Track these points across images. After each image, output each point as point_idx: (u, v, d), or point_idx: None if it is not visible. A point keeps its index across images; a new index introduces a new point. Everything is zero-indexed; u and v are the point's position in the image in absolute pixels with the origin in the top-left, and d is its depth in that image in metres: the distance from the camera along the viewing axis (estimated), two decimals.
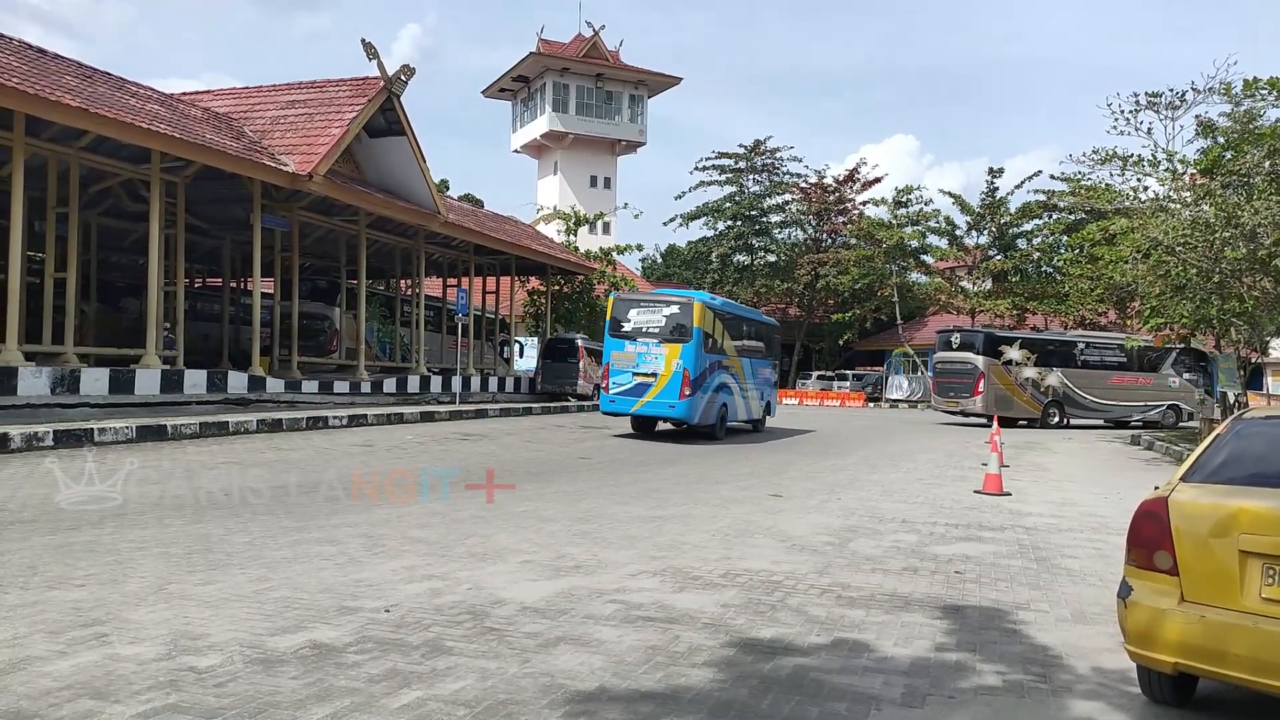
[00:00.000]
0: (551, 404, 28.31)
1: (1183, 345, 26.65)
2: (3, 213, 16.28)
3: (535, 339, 37.33)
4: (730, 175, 55.96)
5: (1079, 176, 26.34)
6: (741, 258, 56.46)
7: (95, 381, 16.13)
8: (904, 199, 48.78)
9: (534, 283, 37.51)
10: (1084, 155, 20.78)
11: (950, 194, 48.91)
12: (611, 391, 18.50)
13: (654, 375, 17.91)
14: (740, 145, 55.62)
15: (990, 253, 48.35)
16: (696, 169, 56.20)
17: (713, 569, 6.54)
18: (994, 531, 8.68)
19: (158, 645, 4.40)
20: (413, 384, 25.78)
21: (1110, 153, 20.72)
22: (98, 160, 17.53)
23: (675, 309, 18.22)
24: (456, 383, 26.07)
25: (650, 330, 18.12)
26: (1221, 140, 20.02)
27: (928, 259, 50.34)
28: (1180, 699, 3.88)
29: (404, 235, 26.84)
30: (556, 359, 31.59)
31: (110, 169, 18.08)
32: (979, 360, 27.39)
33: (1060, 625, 5.33)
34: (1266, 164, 16.21)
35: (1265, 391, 27.43)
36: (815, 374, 50.02)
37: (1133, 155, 20.20)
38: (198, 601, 5.24)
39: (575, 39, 58.95)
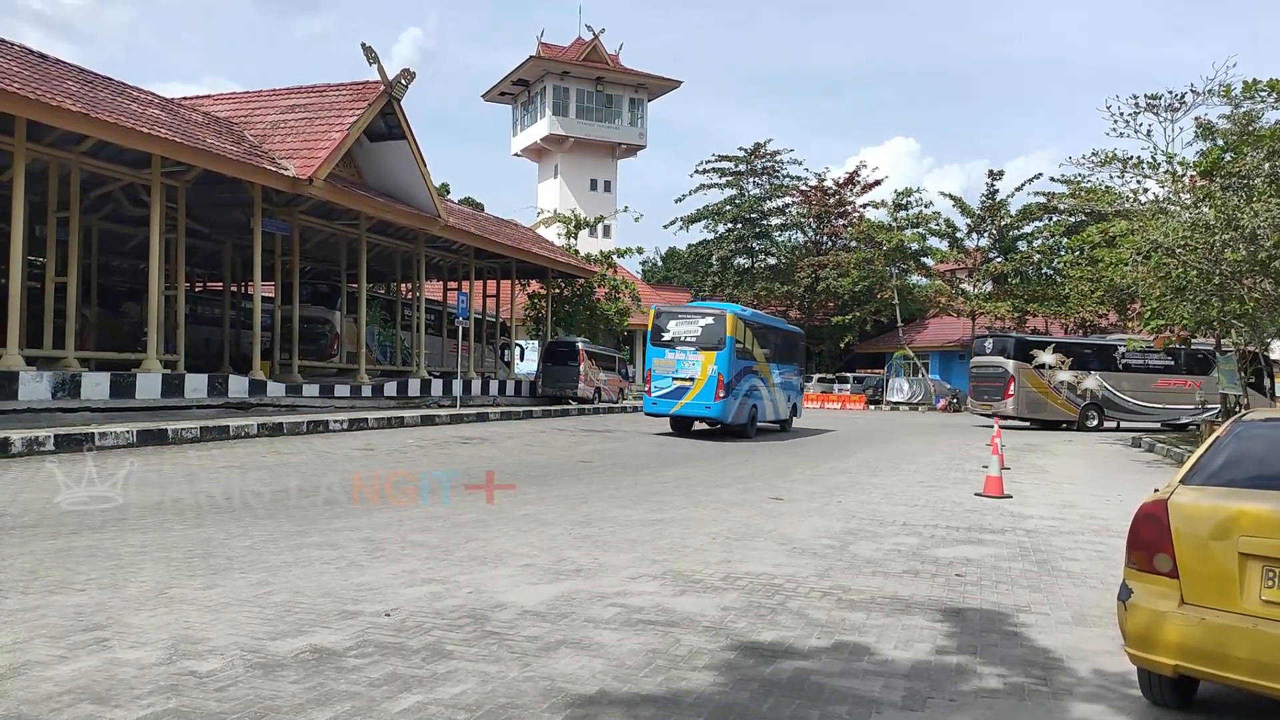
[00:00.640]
0: (552, 407, 28.31)
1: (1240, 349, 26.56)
2: (4, 217, 16.31)
3: (536, 342, 37.36)
4: (730, 178, 56.01)
5: (1079, 179, 26.37)
6: (742, 260, 56.49)
7: (96, 386, 16.14)
8: (904, 201, 48.80)
9: (534, 286, 37.52)
10: (1083, 158, 20.79)
11: (950, 196, 49.04)
12: (654, 394, 20.29)
13: (691, 380, 19.64)
14: (740, 148, 55.70)
15: (990, 255, 48.35)
16: (696, 172, 56.29)
17: (713, 572, 6.54)
18: (995, 534, 8.67)
19: (158, 650, 4.40)
20: (413, 388, 25.79)
21: (1110, 155, 20.74)
22: (98, 165, 17.56)
23: (710, 320, 20.04)
24: (457, 386, 26.10)
25: (688, 339, 19.94)
26: (1221, 142, 20.04)
27: (928, 261, 50.34)
28: (1181, 701, 3.88)
29: (404, 239, 26.87)
30: (557, 362, 31.61)
31: (111, 173, 18.10)
32: (1009, 364, 27.91)
33: (1061, 628, 5.33)
34: (1266, 166, 16.21)
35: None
36: (816, 376, 49.97)
37: (1132, 157, 20.22)
38: (198, 606, 5.24)
39: (575, 42, 59.03)
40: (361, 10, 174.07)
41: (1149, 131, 20.25)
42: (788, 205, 55.81)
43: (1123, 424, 28.61)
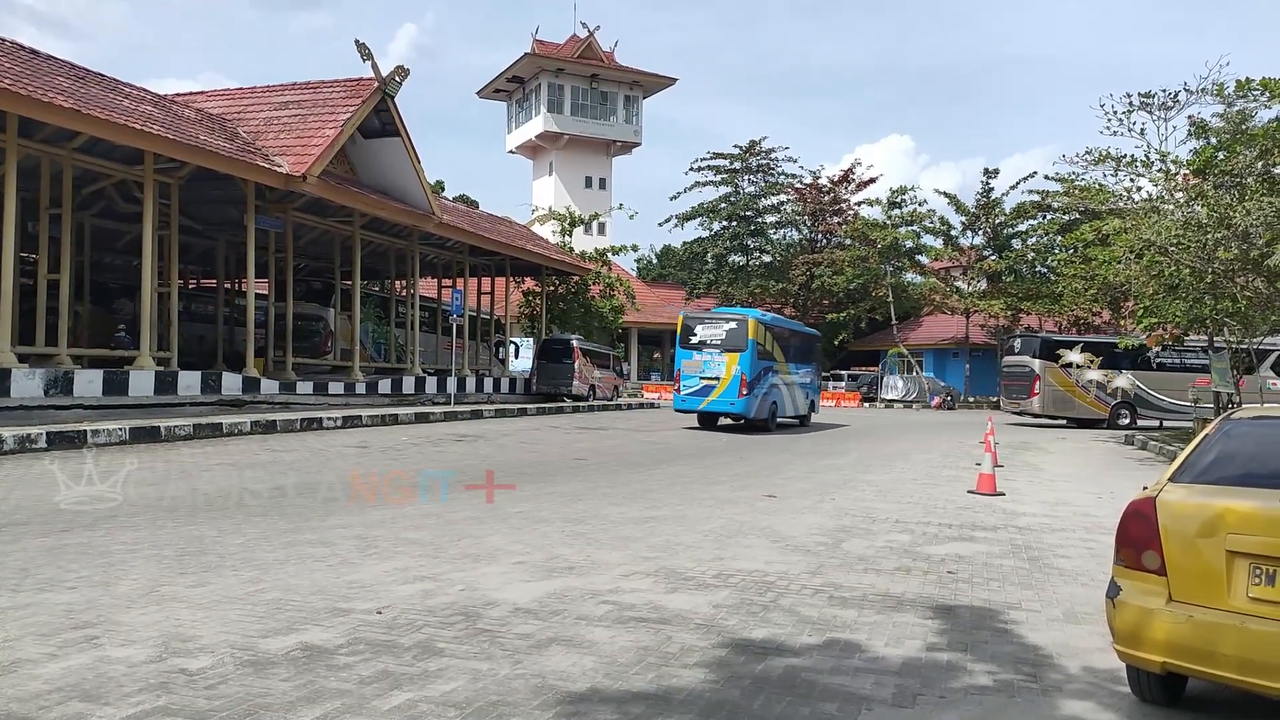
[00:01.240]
0: (547, 405, 28.32)
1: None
2: None
3: (531, 340, 37.37)
4: (725, 176, 56.02)
5: (1073, 177, 26.41)
6: (737, 258, 56.50)
7: (89, 383, 16.11)
8: (898, 199, 48.85)
9: (529, 283, 37.52)
10: (1077, 156, 20.82)
11: (945, 194, 49.08)
12: (682, 392, 22.01)
13: (717, 379, 21.34)
14: (735, 146, 55.70)
15: (985, 253, 48.43)
16: (691, 169, 56.29)
17: (705, 569, 6.54)
18: (987, 531, 8.69)
19: (149, 647, 4.40)
20: (408, 385, 25.78)
21: (1104, 153, 20.77)
22: (91, 161, 17.51)
23: (734, 324, 21.77)
24: (452, 383, 26.08)
25: (713, 342, 21.60)
26: (1214, 141, 20.06)
27: (922, 259, 50.40)
28: (1169, 698, 3.89)
29: (398, 236, 26.85)
30: (552, 360, 31.61)
31: (103, 170, 18.06)
32: (1035, 363, 28.38)
33: (1051, 625, 5.34)
34: (1259, 164, 16.25)
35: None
36: None
37: (1126, 156, 20.26)
38: (189, 604, 5.23)
39: (570, 40, 58.98)
40: (359, 6, 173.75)
41: (1143, 130, 20.27)
42: (783, 203, 55.85)
43: (1165, 423, 28.72)
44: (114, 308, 25.10)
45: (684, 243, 61.20)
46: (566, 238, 40.68)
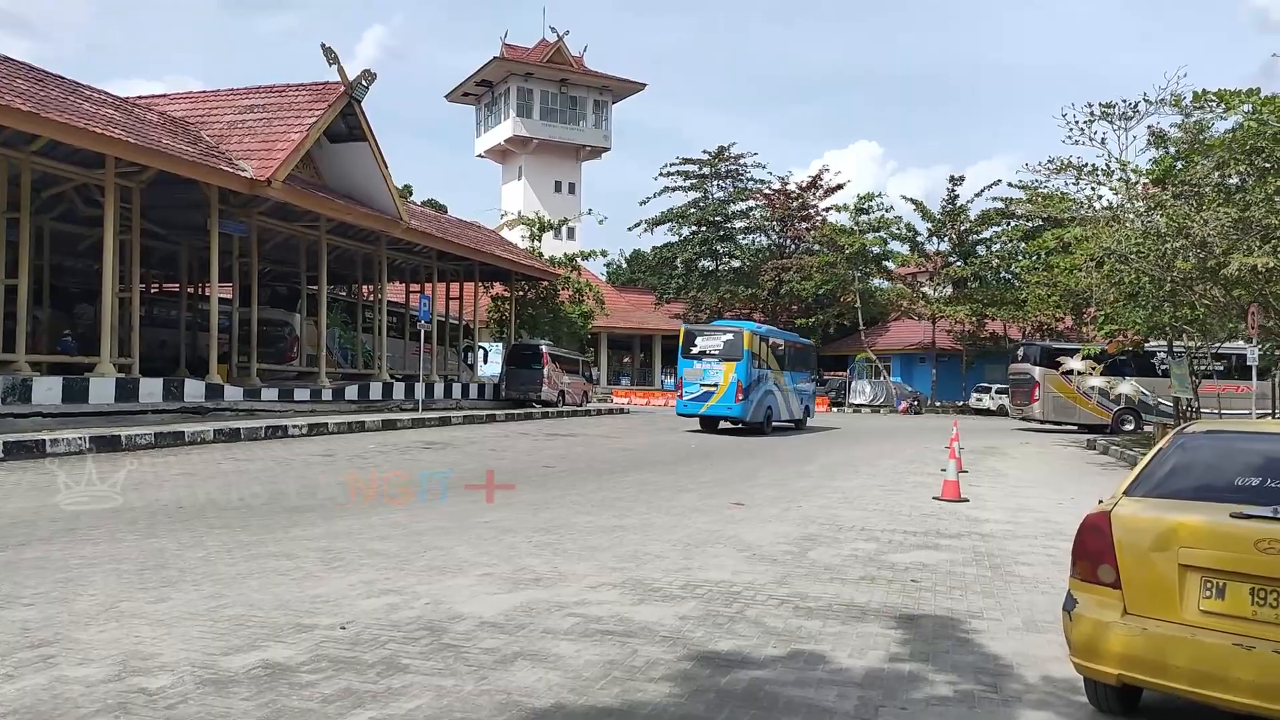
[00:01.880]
0: (516, 411, 28.23)
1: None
2: None
3: (500, 345, 37.22)
4: (694, 181, 56.25)
5: (1036, 185, 26.77)
6: (706, 263, 56.74)
7: (48, 390, 15.82)
8: (865, 206, 49.31)
9: (498, 288, 37.39)
10: (1040, 165, 21.17)
11: (912, 200, 49.62)
12: (685, 398, 23.94)
13: (715, 385, 23.18)
14: (704, 151, 56.02)
15: (951, 259, 49.01)
16: (661, 175, 56.52)
17: (672, 580, 6.56)
18: (951, 539, 8.79)
19: (107, 666, 4.33)
20: (375, 391, 25.58)
21: (1065, 162, 21.12)
22: (50, 165, 17.21)
23: (730, 336, 23.62)
24: (419, 389, 25.90)
25: (712, 352, 23.37)
26: (1173, 151, 20.49)
27: (889, 265, 50.90)
28: (1125, 709, 3.97)
29: (365, 241, 26.64)
30: (521, 365, 31.51)
31: (63, 174, 17.75)
32: (1035, 370, 29.17)
33: (1012, 634, 5.42)
34: (1215, 175, 16.61)
35: None
36: None
37: (1087, 165, 20.61)
38: (149, 620, 5.16)
39: (539, 44, 58.91)
40: (326, 8, 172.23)
41: (1103, 139, 20.66)
42: (751, 208, 56.21)
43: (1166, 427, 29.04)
44: (75, 313, 24.67)
45: (654, 248, 61.43)
46: (536, 243, 40.59)
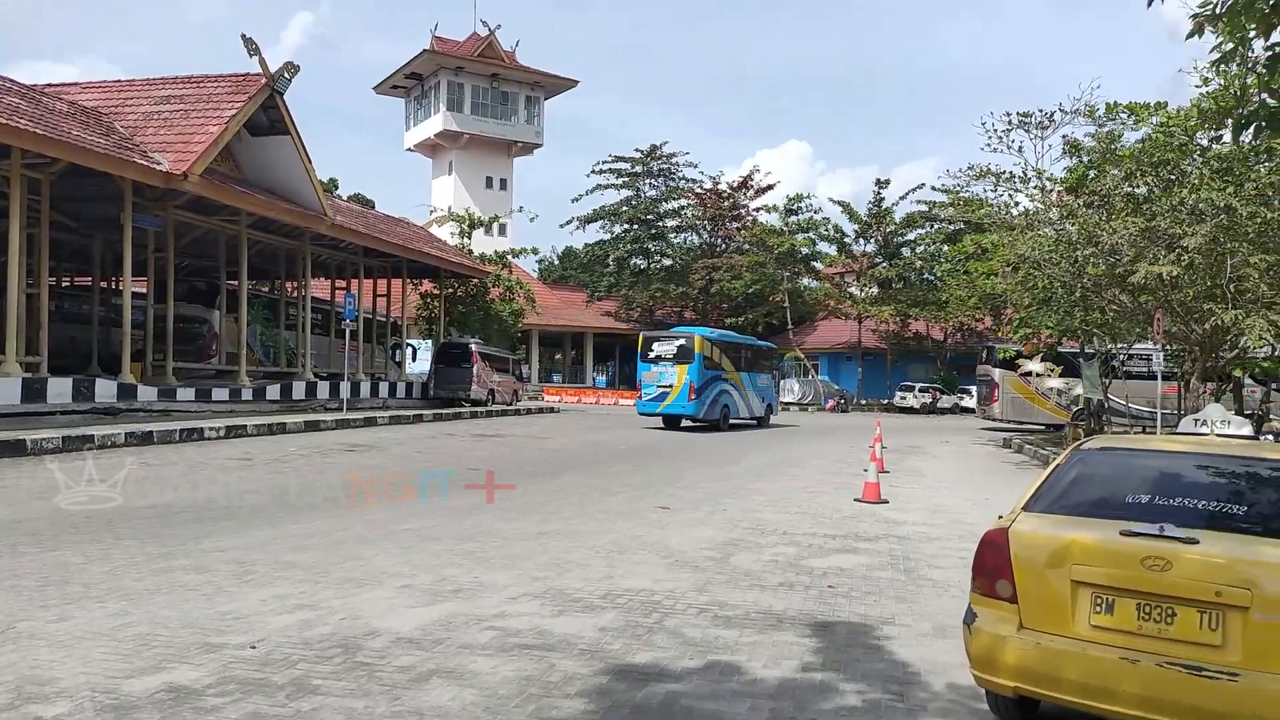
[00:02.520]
0: (444, 410, 27.91)
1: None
2: None
3: (429, 342, 36.77)
4: (626, 179, 56.34)
5: (958, 189, 27.48)
6: (638, 261, 56.90)
7: None
8: (794, 206, 50.05)
9: (427, 285, 36.92)
10: (960, 171, 21.79)
11: (839, 202, 50.54)
12: (644, 398, 26.08)
13: (670, 386, 25.24)
14: (636, 149, 56.13)
15: (876, 260, 50.06)
16: (593, 172, 56.45)
17: (594, 589, 6.57)
18: (869, 542, 8.98)
19: (1, 693, 4.16)
20: (298, 390, 25.03)
21: (984, 169, 21.77)
22: None
23: (683, 341, 25.67)
24: (345, 389, 25.43)
25: (667, 356, 25.47)
26: (1086, 159, 21.28)
27: (817, 265, 51.78)
28: (1025, 718, 4.12)
29: (289, 236, 26.05)
30: (450, 364, 31.18)
31: None
32: (995, 372, 30.12)
33: (921, 640, 5.57)
34: (1125, 185, 17.28)
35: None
36: None
37: (1005, 172, 21.27)
38: (48, 641, 4.98)
39: (471, 38, 58.30)
40: None
41: (1020, 148, 21.39)
42: (683, 207, 56.54)
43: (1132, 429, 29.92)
44: None
45: (586, 245, 61.35)
46: (466, 240, 40.20)
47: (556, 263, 68.81)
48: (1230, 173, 15.14)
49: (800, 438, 24.80)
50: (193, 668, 4.60)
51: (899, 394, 46.98)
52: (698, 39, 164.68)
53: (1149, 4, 4.10)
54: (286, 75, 21.00)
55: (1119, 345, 21.93)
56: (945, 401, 46.18)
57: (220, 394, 21.97)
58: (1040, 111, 21.49)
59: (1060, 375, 29.84)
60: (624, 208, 56.32)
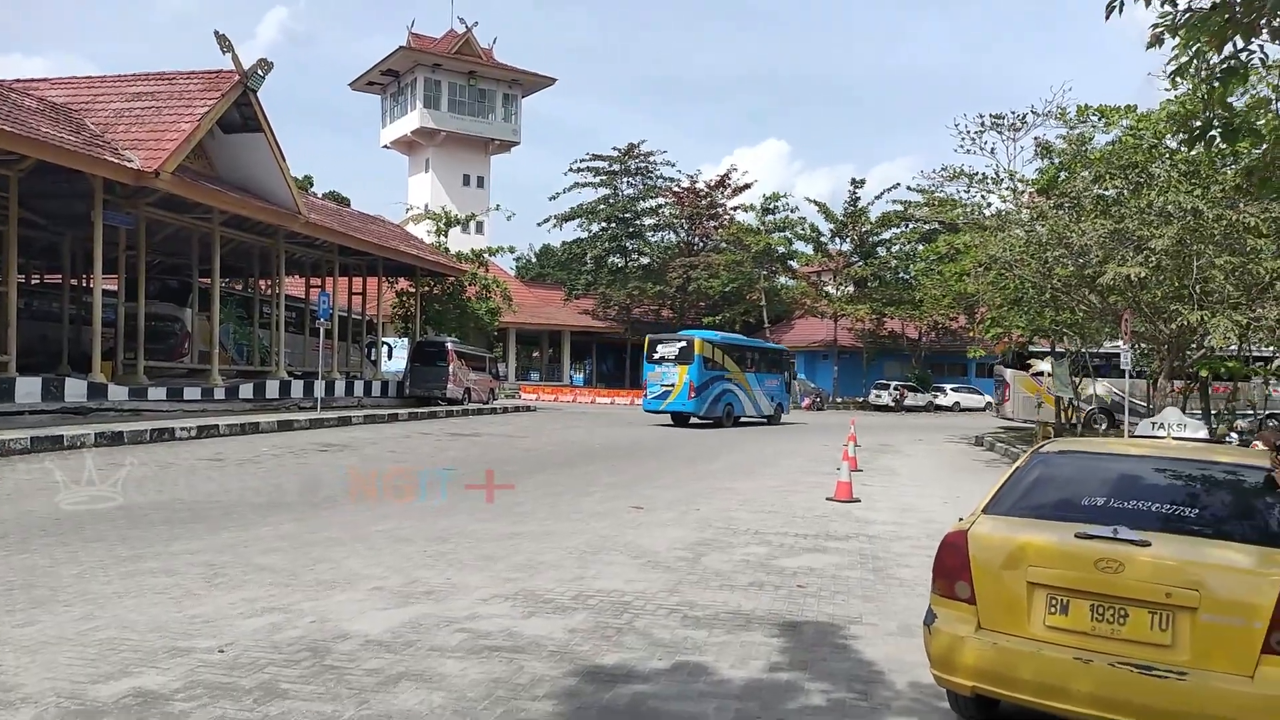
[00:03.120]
0: (419, 409, 27.82)
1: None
2: None
3: (405, 340, 36.61)
4: (604, 178, 56.34)
5: (932, 190, 27.71)
6: (615, 259, 56.91)
7: None
8: (771, 206, 50.26)
9: (403, 284, 36.75)
10: (934, 171, 22.01)
11: (815, 202, 50.79)
12: (648, 396, 28.12)
13: (672, 386, 27.13)
14: (614, 148, 56.11)
15: (852, 259, 50.36)
16: (571, 170, 56.39)
17: (565, 590, 6.61)
18: (839, 541, 9.07)
19: None
20: (272, 389, 24.85)
21: (957, 170, 21.98)
22: None
23: (684, 343, 27.60)
24: (319, 388, 25.27)
25: (669, 357, 27.47)
26: (1057, 161, 21.55)
27: (794, 264, 52.03)
28: (984, 716, 4.20)
29: (262, 234, 25.83)
30: (425, 362, 31.07)
31: None
32: (1008, 372, 30.09)
33: (887, 639, 5.64)
34: (1095, 187, 17.52)
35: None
36: None
37: (978, 173, 21.47)
38: (14, 646, 4.95)
39: (447, 34, 58.03)
40: None
41: (993, 149, 21.65)
42: (660, 206, 56.60)
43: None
44: None
45: (563, 243, 61.30)
46: (442, 238, 40.03)
47: (534, 261, 68.70)
48: (1197, 175, 15.40)
49: (775, 435, 24.94)
50: (160, 672, 4.60)
51: (874, 392, 47.31)
52: (677, 38, 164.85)
53: (1106, 16, 4.20)
54: (260, 72, 20.84)
55: (1088, 345, 22.24)
56: (919, 400, 46.56)
57: (192, 393, 21.78)
58: (1012, 113, 21.74)
59: (1075, 374, 29.97)
60: (601, 206, 56.31)
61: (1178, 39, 4.42)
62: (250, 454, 15.03)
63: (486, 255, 41.04)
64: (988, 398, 49.45)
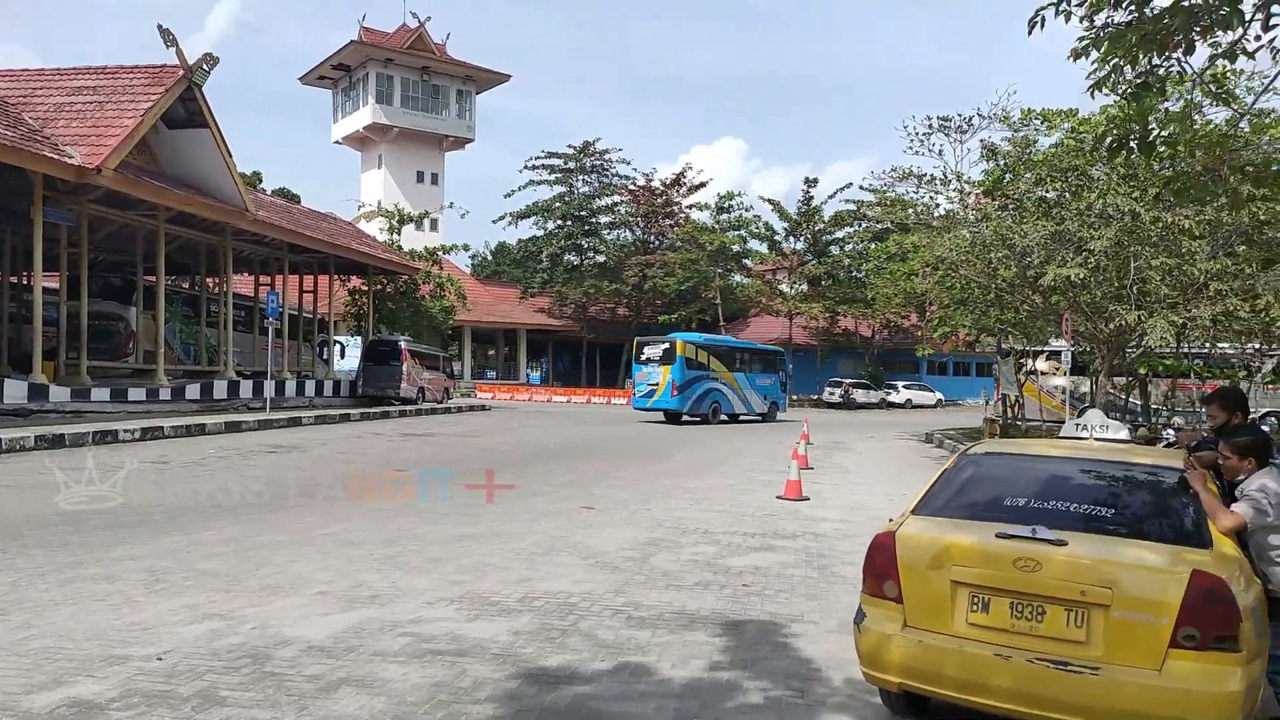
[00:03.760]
0: (372, 409, 27.57)
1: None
2: None
3: (358, 339, 36.23)
4: (560, 175, 56.21)
5: (884, 189, 28.12)
6: (571, 257, 56.83)
7: None
8: (726, 205, 50.56)
9: (355, 282, 36.35)
10: (885, 172, 22.36)
11: (770, 201, 51.17)
12: (636, 395, 29.80)
13: (656, 385, 28.68)
14: (569, 146, 56.01)
15: (806, 258, 50.85)
16: (526, 168, 56.18)
17: (511, 592, 6.63)
18: (787, 540, 9.19)
19: None
20: (219, 389, 24.46)
21: (907, 171, 22.34)
22: None
23: (666, 345, 29.16)
24: (269, 388, 24.91)
25: (654, 358, 29.05)
26: (1003, 164, 22.00)
27: (749, 263, 52.39)
28: (915, 712, 4.32)
29: (210, 231, 25.43)
30: (378, 361, 30.79)
31: None
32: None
33: (827, 637, 5.76)
34: (1037, 190, 17.92)
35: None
36: None
37: (927, 174, 21.84)
38: None
39: (400, 29, 57.45)
40: None
41: (940, 151, 22.04)
42: (616, 204, 56.62)
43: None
44: None
45: (519, 241, 61.04)
46: (395, 236, 39.66)
47: (490, 259, 68.32)
48: (1135, 179, 15.82)
49: (743, 433, 25.10)
50: (96, 681, 4.55)
51: (827, 390, 47.83)
52: (634, 36, 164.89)
53: (1029, 31, 4.34)
54: (205, 67, 20.48)
55: (1032, 345, 22.75)
56: (872, 397, 47.15)
57: (137, 394, 21.36)
58: (959, 116, 22.17)
59: (1070, 374, 30.33)
60: (557, 204, 56.19)
61: (1099, 53, 4.58)
62: (196, 456, 14.80)
63: (441, 253, 40.75)
64: (939, 395, 50.37)
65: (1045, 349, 24.64)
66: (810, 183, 50.59)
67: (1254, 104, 9.08)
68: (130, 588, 6.45)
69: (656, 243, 55.22)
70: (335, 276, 33.54)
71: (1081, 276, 15.40)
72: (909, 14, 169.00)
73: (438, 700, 4.46)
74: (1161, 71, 4.54)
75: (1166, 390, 23.64)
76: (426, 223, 43.66)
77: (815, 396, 48.80)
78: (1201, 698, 3.36)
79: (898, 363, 52.94)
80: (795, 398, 48.99)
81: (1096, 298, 16.73)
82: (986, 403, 29.16)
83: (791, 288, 50.38)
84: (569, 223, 56.22)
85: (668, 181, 54.69)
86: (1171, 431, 17.28)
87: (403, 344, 31.27)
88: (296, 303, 32.59)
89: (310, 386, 29.30)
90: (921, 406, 47.96)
